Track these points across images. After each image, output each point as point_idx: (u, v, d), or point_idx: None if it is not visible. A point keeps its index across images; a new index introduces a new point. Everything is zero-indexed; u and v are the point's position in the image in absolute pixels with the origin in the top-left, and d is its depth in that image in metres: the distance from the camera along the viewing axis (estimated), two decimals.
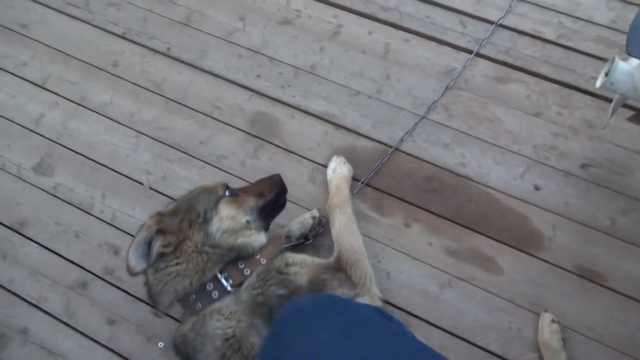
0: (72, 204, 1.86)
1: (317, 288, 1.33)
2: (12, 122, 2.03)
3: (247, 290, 1.30)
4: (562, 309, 1.50)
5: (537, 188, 1.70)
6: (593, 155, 1.74)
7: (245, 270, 1.32)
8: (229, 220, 1.34)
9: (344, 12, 2.09)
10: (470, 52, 1.94)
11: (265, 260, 1.35)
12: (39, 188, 1.90)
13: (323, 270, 1.37)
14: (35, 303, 1.72)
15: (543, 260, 1.59)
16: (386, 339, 0.95)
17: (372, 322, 1.02)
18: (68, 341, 1.65)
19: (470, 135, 1.80)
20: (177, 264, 1.31)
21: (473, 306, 1.55)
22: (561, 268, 1.57)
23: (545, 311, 1.48)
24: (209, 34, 2.11)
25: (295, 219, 1.68)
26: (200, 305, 1.30)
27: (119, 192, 1.85)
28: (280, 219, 1.56)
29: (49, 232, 1.82)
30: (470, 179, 1.73)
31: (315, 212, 1.67)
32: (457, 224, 1.67)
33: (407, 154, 1.79)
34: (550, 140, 1.78)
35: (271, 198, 1.47)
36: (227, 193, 1.40)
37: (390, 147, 1.79)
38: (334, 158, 1.74)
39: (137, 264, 1.27)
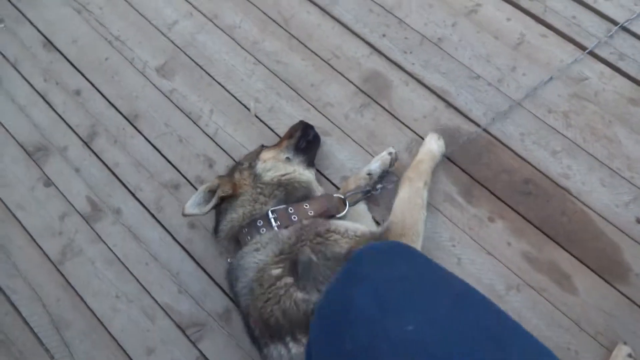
0: (182, 111, 1.98)
1: None
2: (149, 21, 2.17)
3: (284, 238, 1.38)
4: (632, 346, 1.45)
5: (639, 221, 1.61)
6: None
7: (292, 216, 1.42)
8: (271, 160, 1.57)
9: None
10: (610, 65, 1.82)
11: (312, 213, 1.43)
12: (157, 88, 2.04)
13: (364, 240, 1.38)
14: (132, 190, 1.89)
15: (623, 294, 1.53)
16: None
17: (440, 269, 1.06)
18: (152, 231, 1.81)
19: (583, 150, 1.72)
20: (235, 198, 1.50)
21: (535, 316, 1.53)
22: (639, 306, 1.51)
23: (625, 343, 1.43)
24: None
25: (374, 158, 1.73)
26: (249, 237, 1.42)
27: (226, 111, 1.96)
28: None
29: (158, 130, 1.97)
30: (570, 193, 1.67)
31: (391, 149, 1.73)
32: (543, 232, 1.63)
33: (512, 150, 1.74)
34: None
35: (300, 134, 1.68)
36: (265, 146, 1.66)
37: (497, 139, 1.75)
38: (431, 133, 1.73)
39: (192, 205, 1.48)
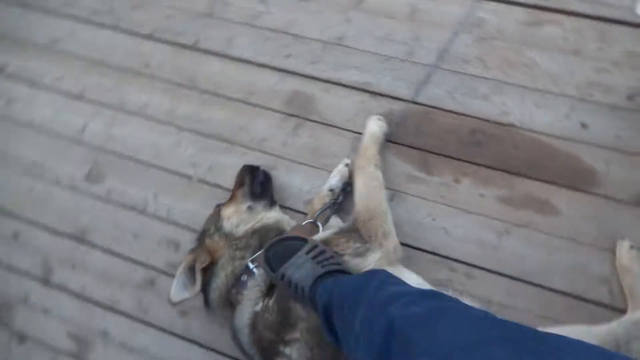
0: (126, 207, 1.92)
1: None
2: (59, 136, 2.10)
3: (263, 275, 1.40)
4: (629, 238, 1.48)
5: (584, 126, 1.67)
6: (639, 85, 1.70)
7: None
8: (234, 215, 1.54)
9: None
10: (499, 0, 1.90)
11: None
12: (93, 196, 1.97)
13: (338, 236, 1.43)
14: (110, 305, 1.80)
15: (599, 195, 1.57)
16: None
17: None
18: (146, 337, 1.73)
19: (509, 83, 1.78)
20: (215, 264, 1.47)
21: (534, 250, 1.54)
22: (619, 200, 1.55)
23: (623, 239, 1.46)
24: (233, 21, 2.13)
25: (331, 172, 1.72)
26: (240, 296, 1.40)
27: (169, 189, 1.91)
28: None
29: (109, 237, 1.89)
30: (514, 126, 1.71)
31: (347, 160, 1.73)
32: (507, 172, 1.66)
33: (448, 110, 1.78)
34: (593, 77, 1.74)
35: (249, 179, 1.65)
36: (220, 204, 1.62)
37: (429, 106, 1.79)
38: (369, 117, 1.75)
39: (178, 293, 1.44)
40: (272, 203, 1.64)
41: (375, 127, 1.70)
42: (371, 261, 1.37)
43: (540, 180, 1.62)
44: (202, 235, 1.57)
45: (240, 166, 1.77)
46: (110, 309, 1.79)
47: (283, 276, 1.30)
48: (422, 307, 0.91)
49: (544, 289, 1.49)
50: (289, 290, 1.30)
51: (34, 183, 2.05)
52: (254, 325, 1.36)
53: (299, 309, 1.31)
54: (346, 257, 1.36)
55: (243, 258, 1.45)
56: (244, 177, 1.67)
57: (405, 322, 0.88)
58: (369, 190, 1.52)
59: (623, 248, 1.45)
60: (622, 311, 1.39)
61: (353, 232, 1.43)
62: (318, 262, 1.29)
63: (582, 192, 1.59)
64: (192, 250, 1.55)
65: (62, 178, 2.03)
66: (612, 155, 1.61)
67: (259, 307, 1.37)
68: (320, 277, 1.25)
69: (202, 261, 1.45)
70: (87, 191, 1.98)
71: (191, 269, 1.47)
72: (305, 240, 1.36)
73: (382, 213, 1.46)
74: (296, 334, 1.30)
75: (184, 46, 2.13)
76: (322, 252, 1.32)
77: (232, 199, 1.62)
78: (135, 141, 2.01)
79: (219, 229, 1.52)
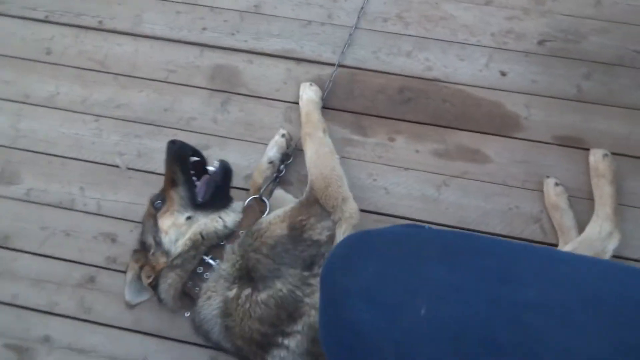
0: (51, 205, 1.79)
1: (298, 232, 1.34)
2: None
3: (228, 262, 1.33)
4: (554, 176, 1.60)
5: (503, 73, 1.75)
6: (547, 30, 1.80)
7: (227, 246, 1.35)
8: (172, 229, 1.37)
9: None
10: None
11: (243, 232, 1.37)
12: (10, 198, 1.81)
13: (297, 212, 1.38)
14: (48, 310, 1.69)
15: (524, 139, 1.68)
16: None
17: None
18: (94, 336, 1.65)
19: (430, 38, 1.82)
20: (163, 277, 1.38)
21: (472, 198, 1.63)
22: (542, 142, 1.66)
23: (548, 177, 1.57)
24: None
25: (268, 144, 1.68)
26: (197, 289, 1.34)
27: (97, 181, 1.79)
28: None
29: (37, 239, 1.76)
30: (440, 80, 1.76)
31: (282, 130, 1.68)
32: (438, 126, 1.71)
33: (374, 70, 1.79)
34: (505, 25, 1.82)
35: (182, 178, 1.39)
36: (157, 205, 1.41)
37: (356, 67, 1.79)
38: (301, 85, 1.73)
39: (134, 298, 1.43)
40: (225, 205, 1.42)
41: (310, 92, 1.68)
42: (339, 235, 1.37)
43: (469, 130, 1.69)
44: (142, 243, 1.45)
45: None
46: (49, 313, 1.68)
47: None
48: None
49: (485, 233, 1.58)
50: None
51: None
52: (226, 314, 1.31)
53: (305, 306, 1.27)
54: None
55: (192, 263, 1.36)
56: (173, 170, 1.41)
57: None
58: (320, 157, 1.49)
59: (549, 186, 1.56)
60: (555, 245, 1.51)
61: (313, 204, 1.39)
62: None
63: (508, 137, 1.68)
64: (136, 254, 1.46)
65: None
66: (532, 100, 1.71)
67: (231, 295, 1.30)
68: None
69: (147, 275, 1.38)
70: (3, 193, 1.82)
71: (139, 277, 1.43)
72: None
73: (338, 177, 1.44)
74: (298, 327, 1.25)
75: (87, 28, 1.97)
76: None
77: (168, 203, 1.40)
78: (49, 134, 1.86)
79: (158, 243, 1.39)
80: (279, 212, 1.42)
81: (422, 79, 1.77)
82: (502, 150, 1.66)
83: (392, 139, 1.71)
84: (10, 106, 1.91)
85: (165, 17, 1.95)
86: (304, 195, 1.46)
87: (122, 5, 1.98)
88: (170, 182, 1.41)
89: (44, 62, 1.95)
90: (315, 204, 1.40)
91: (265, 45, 1.87)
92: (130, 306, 1.39)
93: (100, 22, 1.97)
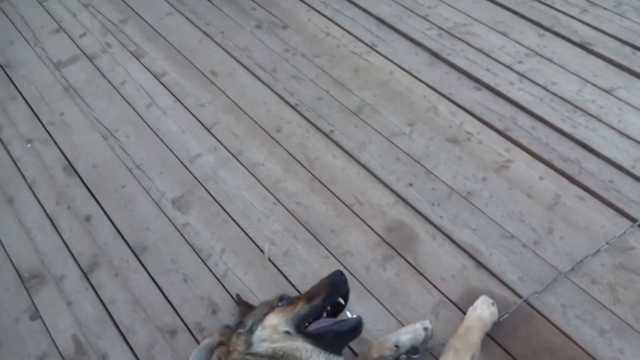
0: (193, 247, 1.87)
1: None
2: (172, 152, 2.15)
3: None
4: None
5: None
6: None
7: None
8: (269, 329, 1.33)
9: (518, 149, 1.96)
10: None
11: None
12: (170, 221, 1.95)
13: None
14: (124, 332, 1.71)
15: None
16: None
17: None
18: None
19: (637, 331, 1.51)
20: None
21: None
22: None
23: None
24: (374, 129, 2.10)
25: (406, 327, 1.52)
26: None
27: (238, 252, 1.83)
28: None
29: (163, 266, 1.84)
30: None
31: (427, 323, 1.51)
32: None
33: (554, 325, 1.54)
34: None
35: (318, 304, 1.37)
36: (280, 304, 1.40)
37: (536, 309, 1.56)
38: (482, 297, 1.55)
39: None
40: (329, 350, 1.30)
41: (486, 311, 1.50)
42: None
43: None
44: (240, 322, 1.43)
45: (313, 267, 1.65)
46: (124, 336, 1.70)
47: None
48: None
49: None
50: None
51: (129, 181, 2.09)
52: None
53: None
54: None
55: None
56: (321, 291, 1.40)
57: None
58: None
59: None
60: None
61: None
62: None
63: None
64: (225, 329, 1.43)
65: (154, 190, 2.04)
66: None
67: None
68: None
69: (218, 357, 1.33)
70: (169, 213, 1.97)
71: (212, 350, 1.36)
72: None
73: None
74: None
75: (319, 129, 2.13)
76: None
77: (291, 307, 1.39)
78: (233, 191, 1.99)
79: (251, 331, 1.35)
80: None
81: None
82: None
83: None
84: (224, 154, 2.12)
85: (385, 156, 2.01)
86: None
87: (358, 128, 2.11)
88: (309, 296, 1.41)
89: (270, 136, 2.15)
90: None
91: (457, 231, 1.77)
92: None
93: (332, 131, 2.12)
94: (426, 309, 1.61)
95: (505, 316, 1.54)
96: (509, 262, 1.68)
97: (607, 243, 1.67)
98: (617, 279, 1.61)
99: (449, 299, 1.62)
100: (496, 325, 1.53)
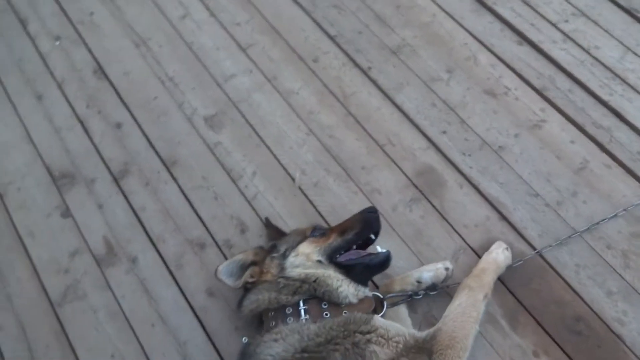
0: (224, 167, 1.90)
1: None
2: (207, 69, 2.13)
3: (314, 326, 1.29)
4: None
5: None
6: None
7: (325, 313, 1.34)
8: (302, 257, 1.43)
9: (553, 110, 1.97)
10: None
11: (346, 313, 1.34)
12: (202, 138, 1.96)
13: (405, 350, 1.30)
14: (154, 240, 1.76)
15: None
16: None
17: None
18: (166, 290, 1.68)
19: None
20: (258, 289, 1.43)
21: None
22: None
23: None
24: (412, 71, 2.09)
25: (428, 265, 1.61)
26: (273, 323, 1.34)
27: (269, 177, 1.87)
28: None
29: (194, 182, 1.87)
30: (623, 342, 1.54)
31: (449, 264, 1.60)
32: None
33: (566, 281, 1.63)
34: None
35: (350, 238, 1.46)
36: (314, 233, 1.49)
37: (550, 265, 1.65)
38: (498, 242, 1.63)
39: (223, 273, 1.44)
40: (357, 280, 1.42)
41: (501, 255, 1.59)
42: None
43: None
44: (274, 246, 1.50)
45: (342, 200, 1.71)
46: (154, 243, 1.76)
47: None
48: None
49: None
50: None
51: (162, 93, 2.08)
52: None
53: None
54: None
55: (291, 297, 1.37)
56: (354, 225, 1.49)
57: None
58: (464, 317, 1.39)
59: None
60: None
61: (422, 353, 1.30)
62: None
63: None
64: (259, 249, 1.52)
65: (187, 105, 2.04)
66: None
67: (290, 357, 1.26)
68: None
69: (251, 275, 1.44)
70: (201, 131, 1.98)
71: (243, 267, 1.46)
72: None
73: (463, 348, 1.33)
74: None
75: (356, 64, 2.11)
76: None
77: (324, 239, 1.48)
78: (267, 116, 2.00)
79: (284, 256, 1.45)
80: (392, 330, 1.32)
81: (607, 325, 1.55)
82: None
83: (536, 354, 1.52)
84: (258, 77, 2.10)
85: (421, 100, 2.01)
86: (422, 334, 1.36)
87: (396, 68, 2.09)
88: (342, 229, 1.49)
89: (307, 65, 2.12)
90: (425, 355, 1.30)
91: (484, 183, 1.82)
92: (216, 275, 1.42)
93: (369, 68, 2.10)
94: (447, 253, 1.68)
95: (519, 263, 1.62)
96: (531, 218, 1.74)
97: (624, 210, 1.74)
98: (630, 246, 1.69)
99: (470, 246, 1.70)
100: (511, 275, 1.62)
